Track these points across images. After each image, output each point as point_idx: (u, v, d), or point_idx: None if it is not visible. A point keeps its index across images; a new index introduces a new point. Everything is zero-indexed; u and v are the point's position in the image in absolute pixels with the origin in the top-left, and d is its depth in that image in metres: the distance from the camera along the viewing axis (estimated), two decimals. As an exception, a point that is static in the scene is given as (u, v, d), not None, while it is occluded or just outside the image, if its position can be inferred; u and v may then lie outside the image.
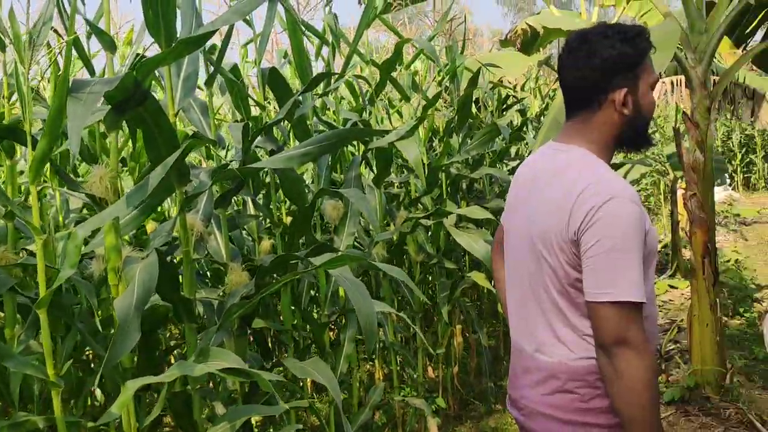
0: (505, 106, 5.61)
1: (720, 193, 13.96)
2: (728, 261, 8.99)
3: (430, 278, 5.04)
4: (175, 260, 2.70)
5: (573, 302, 1.74)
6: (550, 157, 1.86)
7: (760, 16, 4.61)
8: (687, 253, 10.10)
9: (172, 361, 3.41)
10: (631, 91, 1.73)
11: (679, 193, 10.09)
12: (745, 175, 19.23)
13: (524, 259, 1.85)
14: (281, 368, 3.13)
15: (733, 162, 18.62)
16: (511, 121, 6.22)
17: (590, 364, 1.73)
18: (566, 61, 1.79)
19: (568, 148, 1.81)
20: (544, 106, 7.21)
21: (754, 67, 6.28)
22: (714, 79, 4.48)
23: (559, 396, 1.79)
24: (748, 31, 4.74)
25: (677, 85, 6.38)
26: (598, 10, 6.81)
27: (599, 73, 1.72)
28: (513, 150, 6.42)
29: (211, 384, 2.78)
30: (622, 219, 1.64)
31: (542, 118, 6.78)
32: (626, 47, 1.71)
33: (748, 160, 19.22)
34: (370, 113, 4.20)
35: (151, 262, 1.97)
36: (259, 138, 2.79)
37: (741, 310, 6.68)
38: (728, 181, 16.66)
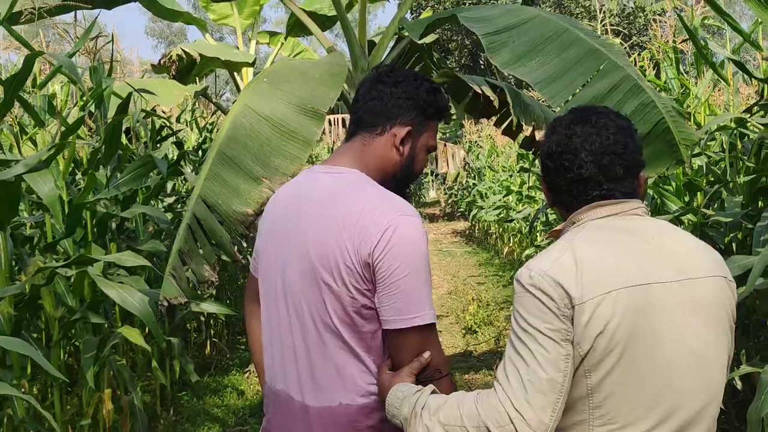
0: (159, 137, 5.12)
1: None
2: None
3: (72, 335, 4.29)
4: None
5: (357, 332, 1.64)
6: (318, 180, 1.76)
7: (414, 57, 4.80)
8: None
9: None
10: (412, 134, 1.75)
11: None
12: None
13: (299, 293, 1.69)
14: None
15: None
16: (166, 154, 5.72)
17: (368, 406, 1.66)
18: (369, 85, 1.79)
19: (339, 170, 1.74)
20: (202, 139, 6.82)
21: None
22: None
23: None
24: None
25: (334, 124, 6.46)
26: (255, 45, 6.66)
27: (394, 101, 1.74)
28: (170, 185, 5.92)
29: None
30: (417, 239, 1.61)
31: (200, 151, 6.40)
32: (429, 96, 1.76)
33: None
34: (-8, 139, 3.41)
35: None
36: None
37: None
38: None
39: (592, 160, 1.57)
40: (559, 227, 1.68)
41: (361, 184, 1.70)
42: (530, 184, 9.45)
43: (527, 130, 4.30)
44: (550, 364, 1.42)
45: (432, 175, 18.95)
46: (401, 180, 1.80)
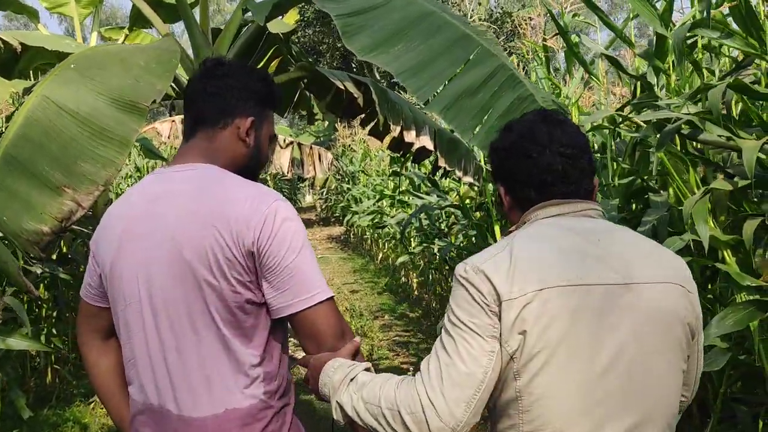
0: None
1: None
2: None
3: None
4: None
5: (240, 329, 1.60)
6: (172, 179, 1.68)
7: (270, 52, 4.32)
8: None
9: None
10: (255, 124, 1.75)
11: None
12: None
13: (171, 299, 1.60)
14: None
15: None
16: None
17: (259, 402, 1.61)
18: (200, 80, 1.76)
19: (194, 167, 1.69)
20: None
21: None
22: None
23: None
24: (261, 65, 4.41)
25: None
26: (97, 36, 5.96)
27: (232, 93, 1.72)
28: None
29: None
30: (297, 221, 1.63)
31: None
32: (264, 86, 1.78)
33: (262, 202, 20.24)
34: None
35: None
36: None
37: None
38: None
39: (559, 152, 1.53)
40: (512, 229, 1.61)
41: (225, 176, 1.67)
42: (402, 188, 9.18)
43: (395, 131, 3.91)
44: (472, 359, 1.39)
45: (302, 181, 18.45)
46: (252, 170, 1.78)
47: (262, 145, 1.80)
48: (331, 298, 1.63)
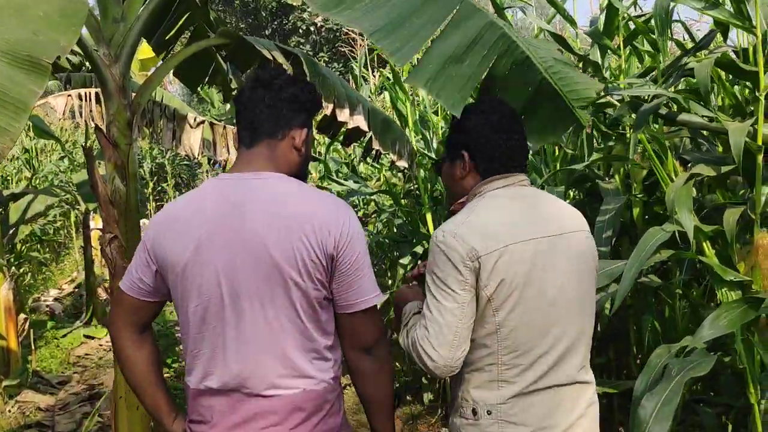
0: None
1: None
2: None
3: None
4: None
5: (319, 324, 1.83)
6: (248, 185, 1.84)
7: (184, 17, 3.84)
8: (104, 294, 9.17)
9: None
10: (307, 133, 1.95)
11: (93, 229, 9.06)
12: (158, 204, 19.27)
13: (255, 294, 1.77)
14: None
15: (145, 191, 18.43)
16: None
17: (329, 385, 1.86)
18: (256, 90, 1.90)
19: (268, 175, 1.86)
20: None
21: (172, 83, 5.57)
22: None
23: (304, 427, 1.81)
24: (170, 35, 3.93)
25: (86, 99, 5.29)
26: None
27: (289, 107, 1.90)
28: None
29: None
30: (361, 230, 1.85)
31: None
32: (313, 96, 1.96)
33: (159, 188, 19.32)
34: None
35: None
36: None
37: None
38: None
39: (521, 135, 1.98)
40: (462, 200, 2.02)
41: (301, 186, 1.88)
42: (314, 174, 8.78)
43: (327, 108, 3.54)
44: (449, 312, 1.79)
45: (210, 164, 17.60)
46: (303, 173, 1.98)
47: (309, 149, 1.99)
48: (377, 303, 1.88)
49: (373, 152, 4.15)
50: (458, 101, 1.98)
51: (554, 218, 1.91)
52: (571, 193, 4.02)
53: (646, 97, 2.72)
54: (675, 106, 2.51)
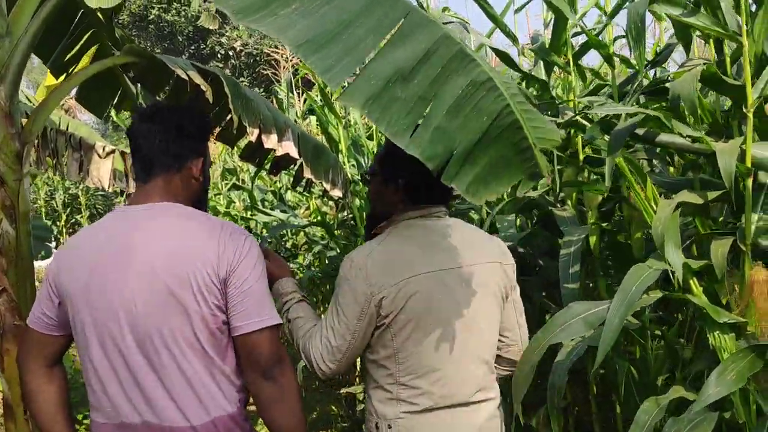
0: None
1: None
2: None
3: None
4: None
5: (219, 348, 1.84)
6: (139, 215, 1.88)
7: (86, 36, 3.39)
8: None
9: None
10: (204, 161, 2.00)
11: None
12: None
13: (153, 325, 1.79)
14: None
15: (58, 224, 17.45)
16: None
17: (238, 410, 1.89)
18: (143, 124, 1.92)
19: (162, 205, 1.89)
20: None
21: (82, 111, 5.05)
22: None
23: None
24: (70, 55, 3.46)
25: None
26: None
27: (180, 140, 1.92)
28: None
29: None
30: (259, 254, 1.90)
31: None
32: (205, 123, 2.01)
33: (73, 220, 18.34)
34: None
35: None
36: None
37: None
38: (54, 251, 15.33)
39: None
40: (383, 225, 2.14)
41: (194, 213, 1.92)
42: (237, 204, 8.30)
43: (252, 134, 3.13)
44: (342, 337, 1.98)
45: (122, 195, 16.69)
46: (202, 199, 2.05)
47: (207, 174, 2.03)
48: (276, 324, 1.86)
49: (304, 181, 3.78)
50: (403, 128, 1.59)
51: (461, 250, 2.04)
52: (518, 221, 3.74)
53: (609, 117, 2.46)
54: (653, 126, 2.24)
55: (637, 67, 2.47)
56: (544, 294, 3.66)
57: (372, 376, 2.03)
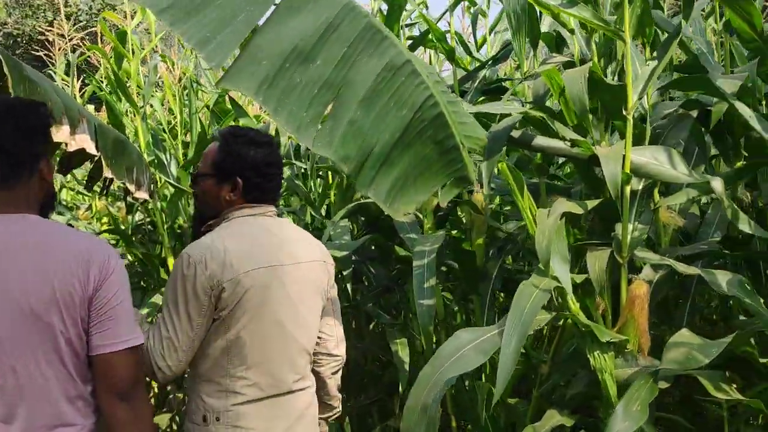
0: None
1: None
2: None
3: None
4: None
5: (82, 369, 1.78)
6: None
7: None
8: None
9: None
10: (49, 159, 1.86)
11: None
12: None
13: (17, 346, 1.69)
14: None
15: None
16: None
17: (94, 429, 1.81)
18: None
19: (18, 217, 1.77)
20: None
21: None
22: None
23: None
24: None
25: None
26: None
27: (29, 143, 1.78)
28: None
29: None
30: (124, 271, 1.83)
31: None
32: (44, 118, 1.84)
33: None
34: None
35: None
36: None
37: None
38: None
39: (282, 169, 2.29)
40: (213, 222, 2.18)
41: (55, 227, 1.83)
42: None
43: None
44: (184, 333, 1.98)
45: None
46: (52, 206, 1.94)
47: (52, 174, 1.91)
48: (138, 346, 1.82)
49: (103, 181, 3.19)
50: (306, 122, 1.22)
51: (293, 248, 2.14)
52: (356, 229, 3.45)
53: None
54: (530, 128, 2.03)
55: (517, 61, 2.27)
56: (374, 303, 3.44)
57: (200, 372, 2.05)
